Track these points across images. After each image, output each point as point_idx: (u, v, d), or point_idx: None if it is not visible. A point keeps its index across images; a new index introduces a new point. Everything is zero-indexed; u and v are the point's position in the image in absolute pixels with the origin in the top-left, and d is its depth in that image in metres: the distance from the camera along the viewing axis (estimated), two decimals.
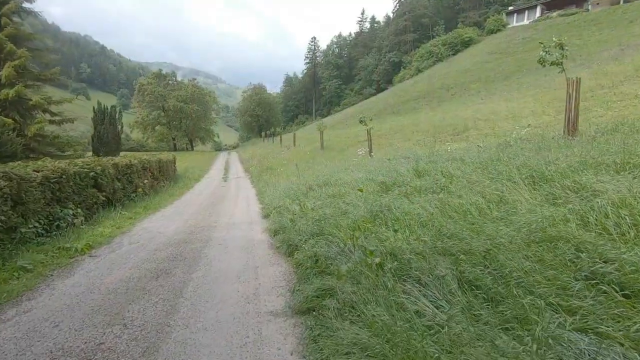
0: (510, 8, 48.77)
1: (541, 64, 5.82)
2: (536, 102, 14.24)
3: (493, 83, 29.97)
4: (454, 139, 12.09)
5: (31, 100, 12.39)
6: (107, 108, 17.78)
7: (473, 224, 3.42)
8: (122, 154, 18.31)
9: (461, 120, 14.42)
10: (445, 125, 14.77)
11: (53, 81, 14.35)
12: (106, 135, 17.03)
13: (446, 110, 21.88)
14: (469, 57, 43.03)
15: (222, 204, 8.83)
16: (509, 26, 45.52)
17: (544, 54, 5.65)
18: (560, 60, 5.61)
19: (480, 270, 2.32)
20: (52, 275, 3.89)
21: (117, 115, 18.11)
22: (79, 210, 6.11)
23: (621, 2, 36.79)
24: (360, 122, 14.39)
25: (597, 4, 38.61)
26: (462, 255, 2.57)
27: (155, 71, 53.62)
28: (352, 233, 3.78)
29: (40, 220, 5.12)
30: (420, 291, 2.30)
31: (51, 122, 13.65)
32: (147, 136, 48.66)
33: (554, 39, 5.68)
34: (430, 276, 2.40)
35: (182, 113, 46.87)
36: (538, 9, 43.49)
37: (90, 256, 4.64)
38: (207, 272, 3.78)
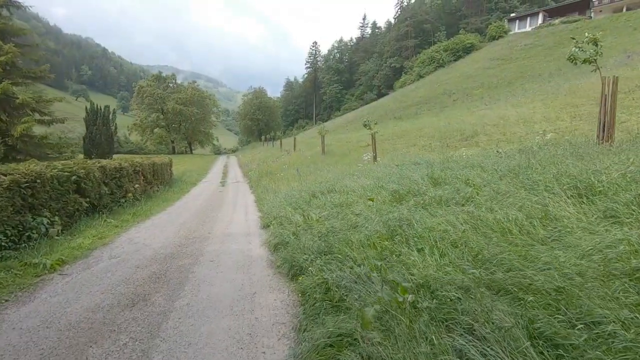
0: (512, 15, 48.78)
1: (572, 61, 5.26)
2: (546, 107, 13.76)
3: (496, 89, 29.64)
4: (463, 145, 11.53)
5: (18, 98, 11.76)
6: (100, 108, 17.11)
7: (517, 246, 2.81)
8: (116, 156, 17.70)
9: (468, 126, 13.90)
10: (452, 130, 14.24)
11: (43, 79, 13.72)
12: (99, 136, 16.30)
13: (450, 115, 21.42)
14: (471, 63, 42.81)
15: (218, 212, 8.19)
16: (511, 33, 45.43)
17: (576, 50, 5.09)
18: (595, 57, 5.05)
19: (559, 321, 1.70)
20: (7, 300, 3.24)
21: (110, 115, 17.41)
22: (57, 218, 5.47)
23: (624, 10, 36.69)
24: (365, 126, 13.84)
25: (600, 11, 38.53)
26: (528, 296, 1.94)
27: (155, 73, 53.24)
28: (369, 255, 3.16)
29: (7, 231, 4.47)
30: (477, 349, 1.67)
31: (40, 122, 12.99)
32: (146, 138, 48.09)
33: (586, 34, 5.13)
34: (488, 325, 1.78)
35: (182, 116, 46.33)
36: (540, 16, 43.42)
37: (60, 274, 3.99)
38: (193, 299, 3.14)
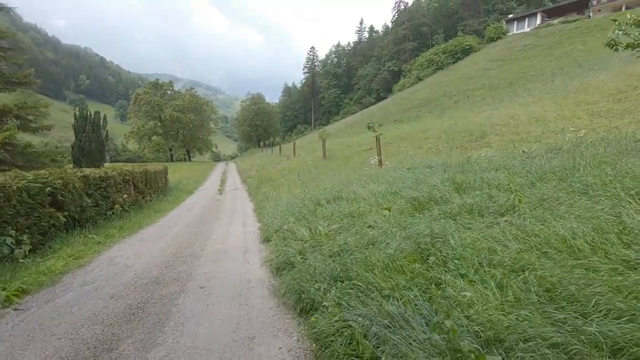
0: (510, 16, 48.63)
1: (612, 47, 4.64)
2: (558, 105, 13.16)
3: (497, 90, 29.17)
4: (473, 146, 10.89)
5: None
6: (90, 114, 16.41)
7: (598, 273, 2.12)
8: (108, 165, 16.97)
9: (476, 126, 13.28)
10: (459, 131, 13.62)
11: (28, 84, 13.06)
12: (88, 144, 15.55)
13: (453, 117, 20.89)
14: (470, 64, 42.46)
15: (214, 223, 7.48)
16: (509, 34, 45.18)
17: (619, 33, 4.46)
18: None
19: None
20: None
21: (101, 122, 16.70)
22: (25, 237, 4.76)
23: (623, 9, 36.46)
24: (369, 128, 13.26)
25: (599, 10, 38.31)
26: None
27: (152, 81, 52.78)
28: (399, 284, 2.44)
29: None
30: None
31: (24, 129, 12.33)
32: (143, 146, 47.42)
33: (628, 15, 4.51)
34: None
35: (179, 123, 45.72)
36: (538, 17, 43.23)
37: (15, 309, 3.27)
38: (173, 347, 2.41)
